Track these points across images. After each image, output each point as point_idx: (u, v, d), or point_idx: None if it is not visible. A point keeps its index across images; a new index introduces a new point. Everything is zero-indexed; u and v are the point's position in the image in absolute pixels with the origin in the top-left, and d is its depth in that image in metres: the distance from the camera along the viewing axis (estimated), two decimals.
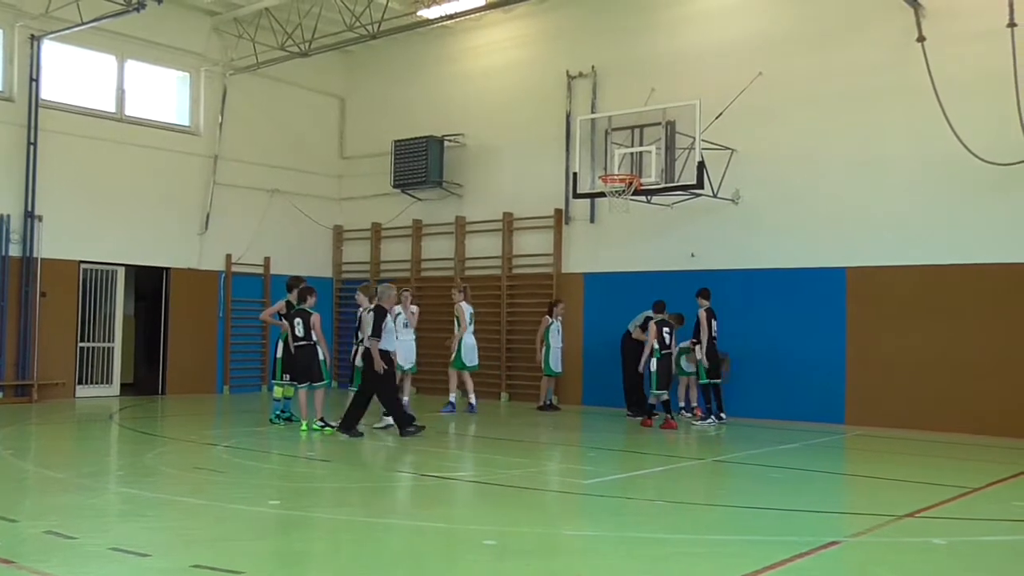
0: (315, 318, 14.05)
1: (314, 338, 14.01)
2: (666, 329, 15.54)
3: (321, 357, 14.12)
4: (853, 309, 16.28)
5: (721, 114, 16.48)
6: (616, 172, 16.61)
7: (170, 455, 12.28)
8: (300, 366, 14.11)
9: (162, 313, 20.58)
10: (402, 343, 15.50)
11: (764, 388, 16.75)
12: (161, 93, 20.93)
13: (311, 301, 14.26)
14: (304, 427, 13.94)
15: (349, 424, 13.56)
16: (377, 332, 13.54)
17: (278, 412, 14.95)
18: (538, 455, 12.93)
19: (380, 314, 13.69)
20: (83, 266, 19.24)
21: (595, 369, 18.89)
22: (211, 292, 21.18)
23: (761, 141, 17.03)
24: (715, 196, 16.87)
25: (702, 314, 15.79)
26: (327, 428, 13.84)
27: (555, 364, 17.93)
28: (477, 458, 12.80)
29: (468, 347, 17.19)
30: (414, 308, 17.01)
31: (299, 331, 14.00)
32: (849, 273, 16.32)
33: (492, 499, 9.67)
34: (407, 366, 16.24)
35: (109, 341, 19.86)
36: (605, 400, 18.26)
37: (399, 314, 15.76)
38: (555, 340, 17.90)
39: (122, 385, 20.18)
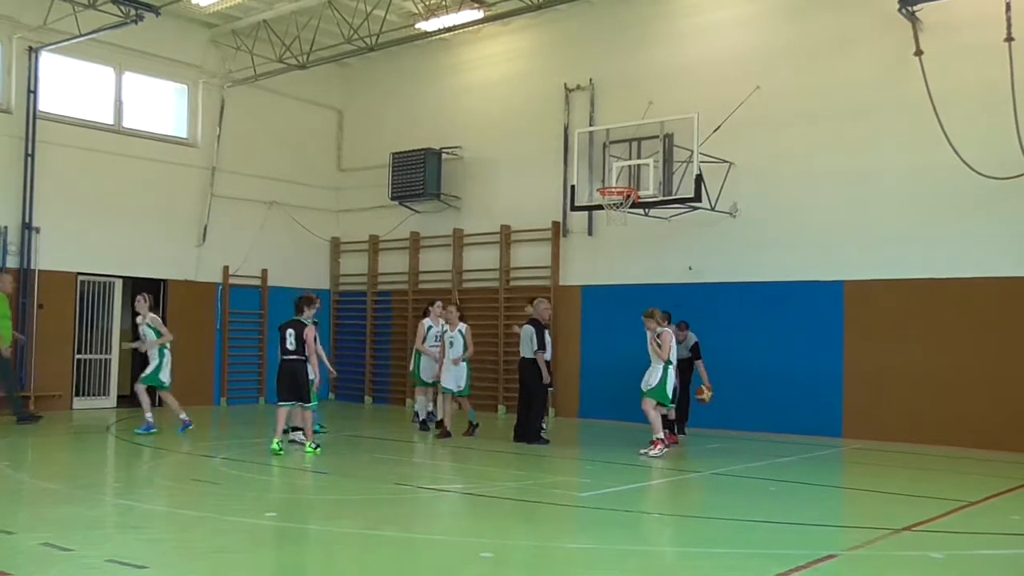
0: (309, 331, 13.12)
1: (306, 353, 13.10)
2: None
3: (311, 376, 13.20)
4: (851, 322, 16.28)
5: (719, 127, 16.53)
6: (614, 185, 16.63)
7: (167, 467, 12.28)
8: (286, 383, 13.05)
9: None
10: None
11: (761, 401, 16.75)
12: (159, 105, 20.96)
13: (308, 312, 13.32)
14: (275, 445, 12.82)
15: (523, 433, 14.67)
16: (542, 345, 14.65)
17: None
18: (535, 467, 12.91)
19: (540, 328, 14.79)
20: (80, 278, 19.23)
21: (593, 381, 18.89)
22: (209, 304, 21.17)
23: (759, 154, 17.07)
24: (713, 209, 16.90)
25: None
26: (319, 448, 13.00)
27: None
28: (474, 470, 12.78)
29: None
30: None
31: (290, 344, 13.04)
32: (847, 286, 16.33)
33: (489, 511, 9.66)
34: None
35: (106, 353, 19.83)
36: (603, 413, 18.26)
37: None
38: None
39: (119, 397, 20.13)
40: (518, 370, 15.21)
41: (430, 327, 16.14)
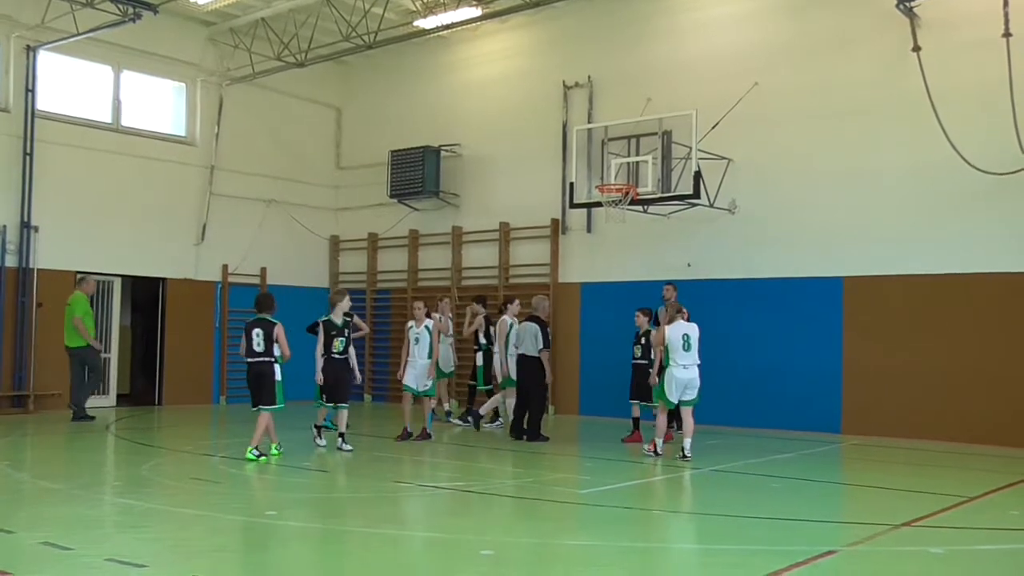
0: (279, 329, 12.20)
1: (276, 353, 12.12)
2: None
3: (278, 377, 12.18)
4: (850, 318, 16.28)
5: (717, 124, 16.51)
6: (612, 182, 16.63)
7: (166, 466, 12.26)
8: (254, 386, 12.27)
9: (159, 324, 20.56)
10: None
11: (761, 397, 16.75)
12: (157, 103, 20.94)
13: (275, 309, 12.50)
14: (275, 451, 12.40)
15: (520, 431, 14.62)
16: (547, 343, 14.60)
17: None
18: (535, 465, 12.92)
19: (544, 325, 14.69)
20: (79, 276, 19.17)
21: (592, 378, 18.88)
22: (208, 302, 21.15)
23: (758, 151, 17.06)
24: (711, 206, 16.89)
25: (480, 320, 16.52)
26: (263, 457, 12.10)
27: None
28: (474, 468, 12.78)
29: None
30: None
31: (257, 345, 12.10)
32: (846, 283, 16.34)
33: (489, 509, 9.67)
34: None
35: (105, 352, 19.79)
36: (602, 409, 18.26)
37: None
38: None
39: (118, 396, 20.14)
40: (518, 367, 15.13)
41: (512, 325, 15.73)
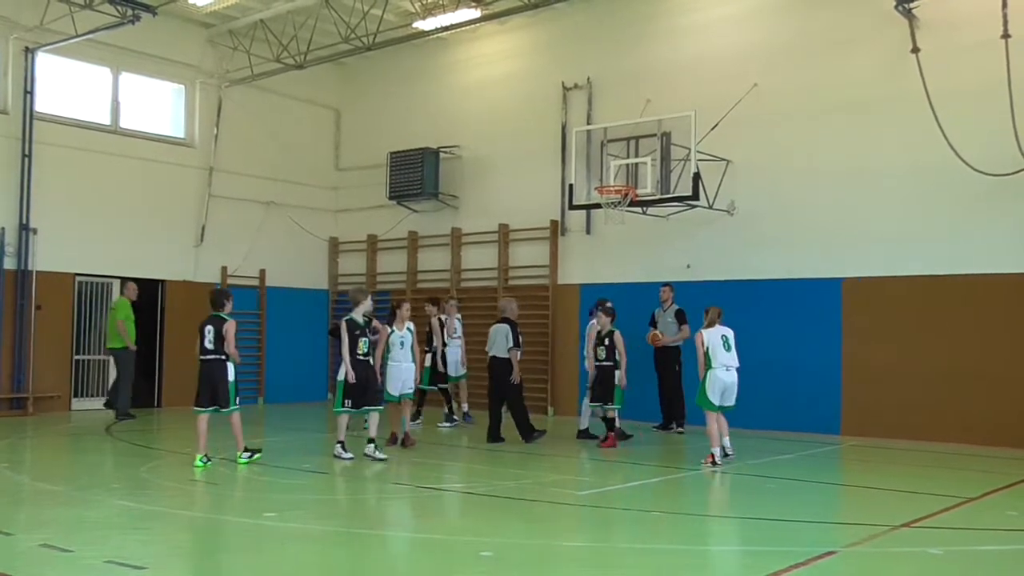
0: (229, 326, 11.96)
1: (226, 352, 11.87)
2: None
3: (232, 378, 11.87)
4: (849, 320, 16.27)
5: (716, 125, 16.52)
6: (612, 183, 16.63)
7: (165, 468, 12.25)
8: (206, 387, 11.86)
9: (158, 326, 20.53)
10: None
11: (760, 399, 16.68)
12: (156, 105, 20.93)
13: (229, 307, 12.33)
14: (199, 461, 11.75)
15: (498, 435, 14.71)
16: (517, 343, 14.60)
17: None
18: (533, 466, 12.91)
19: (514, 326, 14.67)
20: (78, 279, 19.20)
21: None
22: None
23: (757, 152, 17.06)
24: (711, 207, 16.89)
25: (434, 322, 16.81)
26: (256, 455, 12.10)
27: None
28: (473, 470, 12.78)
29: None
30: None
31: (208, 343, 11.81)
32: (845, 284, 16.33)
33: (488, 511, 9.66)
34: None
35: (104, 354, 19.76)
36: None
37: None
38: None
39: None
40: (490, 369, 15.02)
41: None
